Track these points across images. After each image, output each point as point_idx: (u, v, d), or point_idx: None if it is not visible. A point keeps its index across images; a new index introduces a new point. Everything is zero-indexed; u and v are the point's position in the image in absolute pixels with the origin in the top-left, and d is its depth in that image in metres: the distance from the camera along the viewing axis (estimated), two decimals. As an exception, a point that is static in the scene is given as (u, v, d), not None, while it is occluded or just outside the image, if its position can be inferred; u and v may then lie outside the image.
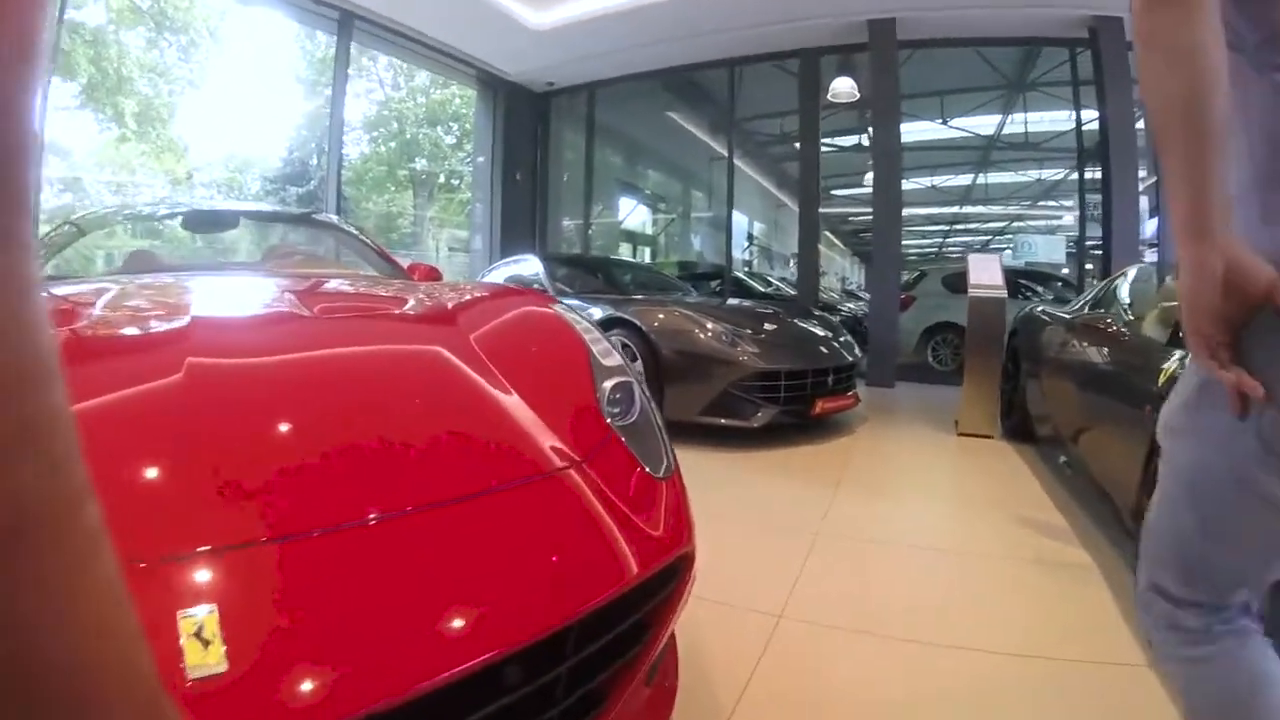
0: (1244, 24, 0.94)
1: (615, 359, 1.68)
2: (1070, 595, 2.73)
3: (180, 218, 3.87)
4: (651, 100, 12.38)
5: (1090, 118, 8.88)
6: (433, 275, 3.18)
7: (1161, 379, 2.83)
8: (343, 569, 0.97)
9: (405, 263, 3.35)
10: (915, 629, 2.35)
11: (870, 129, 12.21)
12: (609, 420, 1.46)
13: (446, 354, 1.51)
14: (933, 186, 17.21)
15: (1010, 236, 21.50)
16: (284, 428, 1.19)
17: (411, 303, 2.03)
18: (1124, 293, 4.28)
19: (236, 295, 2.08)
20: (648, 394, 1.64)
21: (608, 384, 1.56)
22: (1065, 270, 11.81)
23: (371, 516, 1.05)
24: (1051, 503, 3.92)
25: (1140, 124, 7.96)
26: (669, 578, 1.29)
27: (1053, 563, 3.05)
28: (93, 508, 0.28)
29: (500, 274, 7.05)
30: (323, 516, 1.02)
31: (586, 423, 1.44)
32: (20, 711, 0.25)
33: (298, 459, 1.11)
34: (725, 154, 11.02)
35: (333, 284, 2.40)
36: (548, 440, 1.33)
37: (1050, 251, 14.10)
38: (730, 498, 3.65)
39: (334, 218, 3.93)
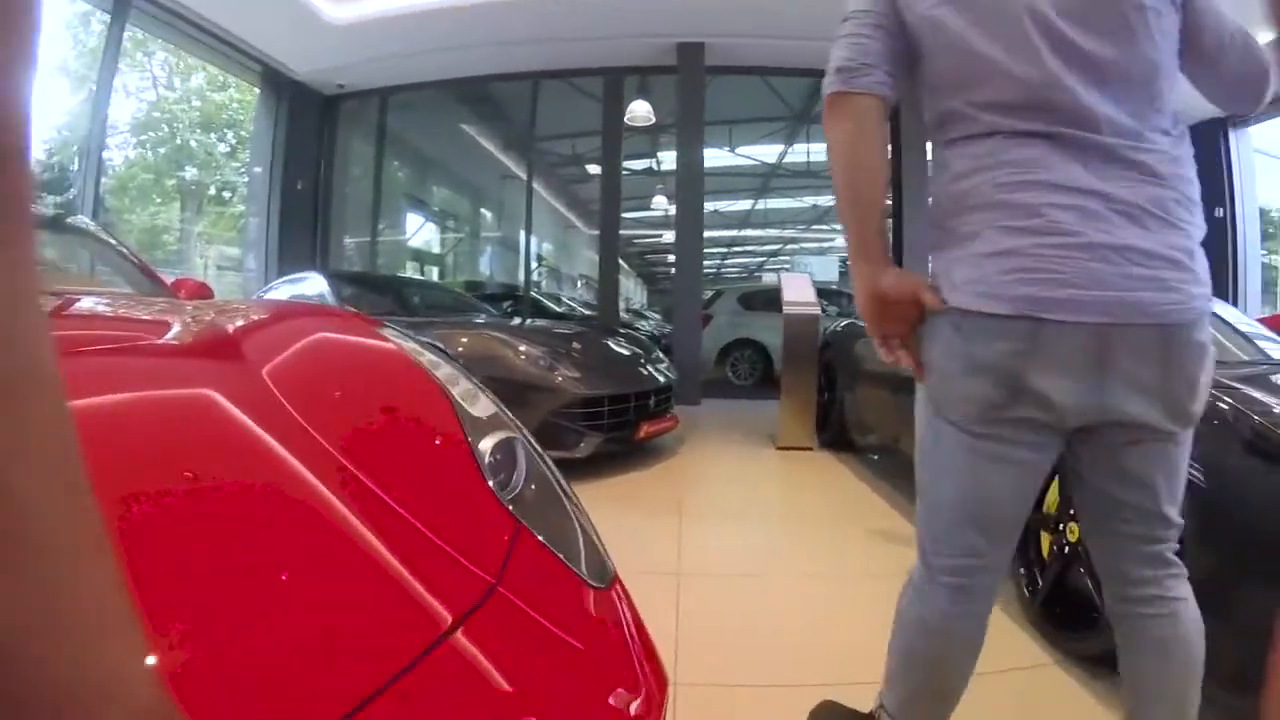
0: (929, 112, 1.33)
1: (487, 405, 1.19)
2: None
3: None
4: (446, 112, 11.69)
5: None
6: (203, 292, 2.56)
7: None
8: None
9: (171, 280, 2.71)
10: (822, 671, 2.15)
11: (659, 153, 12.24)
12: (503, 499, 0.99)
13: (224, 404, 0.97)
14: (716, 211, 17.68)
15: (786, 258, 22.62)
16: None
17: (177, 328, 1.38)
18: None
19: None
20: (540, 451, 1.20)
21: (485, 443, 1.06)
22: (835, 287, 12.41)
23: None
24: (894, 510, 3.91)
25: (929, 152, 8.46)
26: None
27: None
28: (94, 512, 0.28)
29: (280, 294, 6.26)
30: None
31: (478, 511, 0.96)
32: (21, 713, 0.25)
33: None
34: (517, 171, 10.70)
35: (80, 304, 1.67)
36: (430, 555, 0.84)
37: (824, 271, 14.84)
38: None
39: (88, 222, 3.16)
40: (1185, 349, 1.17)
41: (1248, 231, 10.38)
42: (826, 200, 16.61)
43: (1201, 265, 1.22)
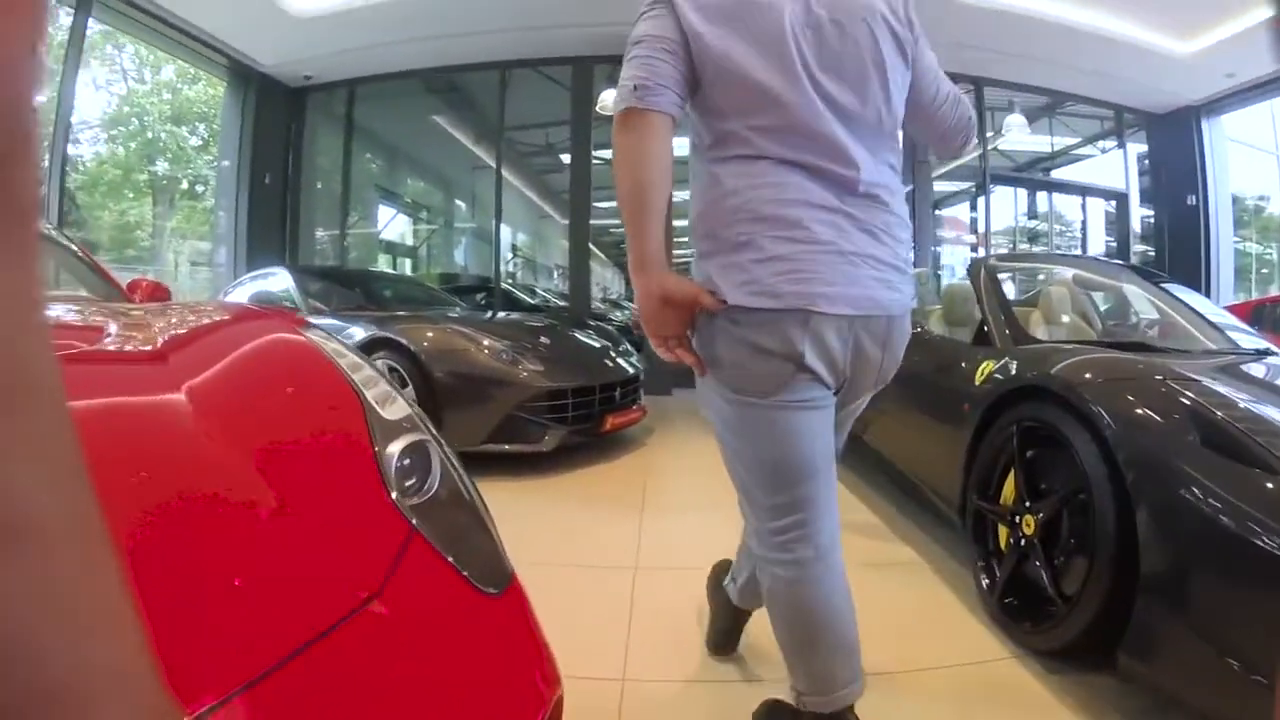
0: (704, 132, 1.48)
1: (401, 407, 1.17)
2: (912, 597, 2.71)
3: None
4: (415, 102, 11.47)
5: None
6: (158, 294, 2.54)
7: (979, 378, 2.78)
8: None
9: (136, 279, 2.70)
10: (778, 668, 2.12)
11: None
12: (401, 505, 0.97)
13: (136, 412, 0.98)
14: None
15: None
16: None
17: (110, 336, 1.36)
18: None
19: None
20: (451, 455, 1.16)
21: (394, 446, 1.04)
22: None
23: None
24: (859, 502, 3.91)
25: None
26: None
27: (883, 564, 2.99)
28: (95, 511, 0.29)
29: (245, 291, 6.16)
30: None
31: (371, 517, 0.93)
32: (24, 709, 0.25)
33: None
34: (489, 161, 10.49)
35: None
36: (306, 563, 0.82)
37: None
38: (534, 535, 3.24)
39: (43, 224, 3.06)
40: (901, 335, 1.52)
41: (1220, 219, 10.42)
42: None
43: (910, 270, 1.53)
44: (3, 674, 0.25)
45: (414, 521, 0.95)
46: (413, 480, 1.04)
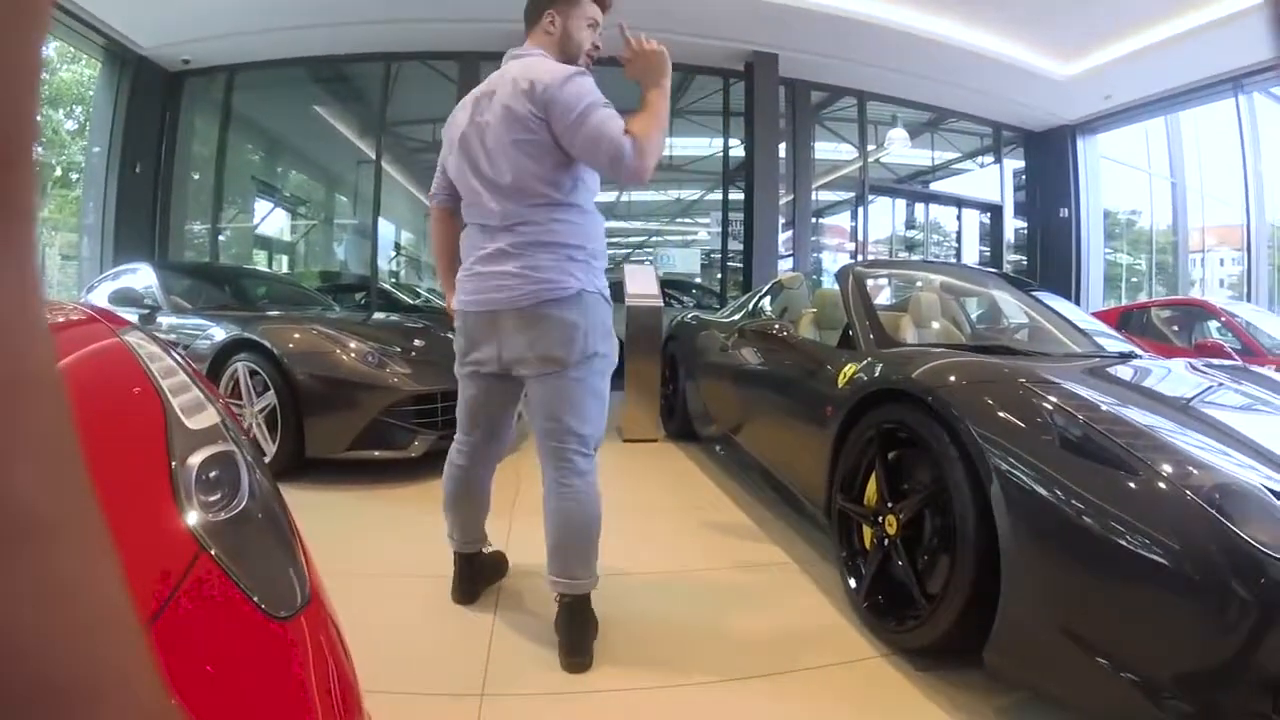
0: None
1: (210, 415, 1.05)
2: (784, 598, 2.71)
3: None
4: (297, 92, 11.00)
5: (736, 143, 9.61)
6: None
7: (842, 380, 2.80)
8: None
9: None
10: (640, 678, 2.09)
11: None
12: (197, 523, 0.86)
13: None
14: (578, 203, 17.48)
15: (651, 250, 22.74)
16: None
17: None
18: (781, 300, 4.35)
19: None
20: (261, 465, 1.05)
21: (195, 459, 0.94)
22: (699, 280, 12.51)
23: None
24: (732, 503, 3.94)
25: (782, 152, 8.90)
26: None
27: (754, 565, 3.01)
28: (96, 511, 0.29)
29: (106, 289, 5.71)
30: None
31: (155, 538, 0.84)
32: (24, 709, 0.25)
33: None
34: (372, 155, 10.18)
35: None
36: None
37: (687, 263, 14.98)
38: (398, 546, 3.13)
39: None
40: (540, 321, 2.12)
41: (1091, 230, 11.07)
42: (690, 193, 16.82)
43: (549, 274, 2.12)
44: (4, 673, 0.25)
45: (204, 541, 0.85)
46: (218, 495, 0.93)
